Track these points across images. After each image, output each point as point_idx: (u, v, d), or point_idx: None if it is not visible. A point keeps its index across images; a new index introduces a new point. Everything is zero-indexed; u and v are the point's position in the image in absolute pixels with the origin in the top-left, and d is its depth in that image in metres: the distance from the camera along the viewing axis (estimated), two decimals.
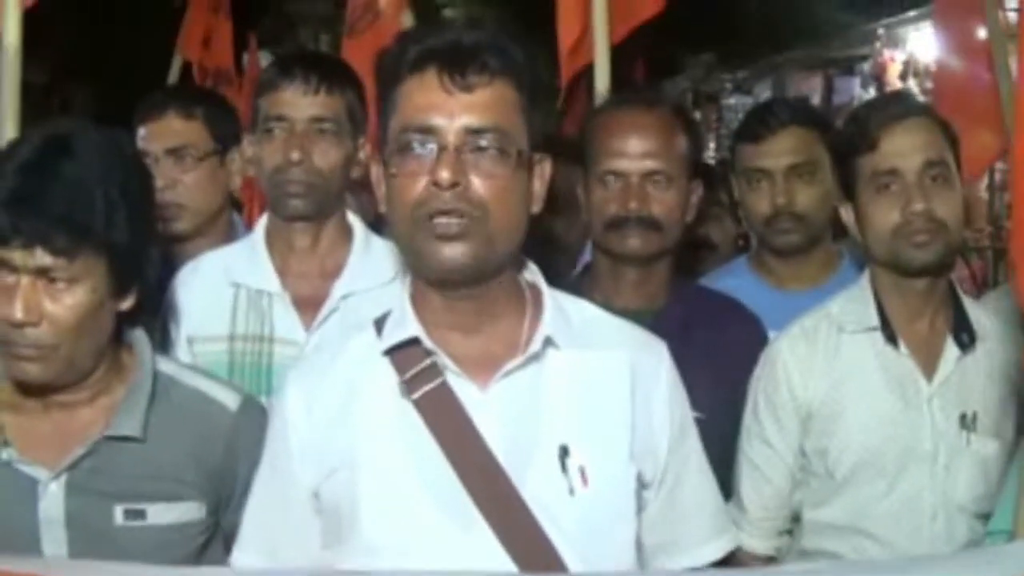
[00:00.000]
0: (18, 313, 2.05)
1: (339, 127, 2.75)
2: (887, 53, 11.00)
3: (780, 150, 3.14)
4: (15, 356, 2.11)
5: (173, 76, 6.12)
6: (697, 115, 17.44)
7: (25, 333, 2.07)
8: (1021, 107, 1.94)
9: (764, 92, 14.98)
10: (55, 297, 2.08)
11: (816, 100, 13.15)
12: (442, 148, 1.86)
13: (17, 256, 2.05)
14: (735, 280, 3.13)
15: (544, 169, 2.00)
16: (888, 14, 10.69)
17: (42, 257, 2.05)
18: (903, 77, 10.39)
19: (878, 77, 11.10)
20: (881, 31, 11.11)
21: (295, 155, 2.70)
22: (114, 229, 2.08)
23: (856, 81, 12.22)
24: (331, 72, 2.78)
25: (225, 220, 3.24)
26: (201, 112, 3.18)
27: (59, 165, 2.07)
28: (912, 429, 2.53)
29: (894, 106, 2.62)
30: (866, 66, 11.87)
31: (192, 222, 3.14)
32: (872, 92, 10.53)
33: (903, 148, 2.51)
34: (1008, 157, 2.01)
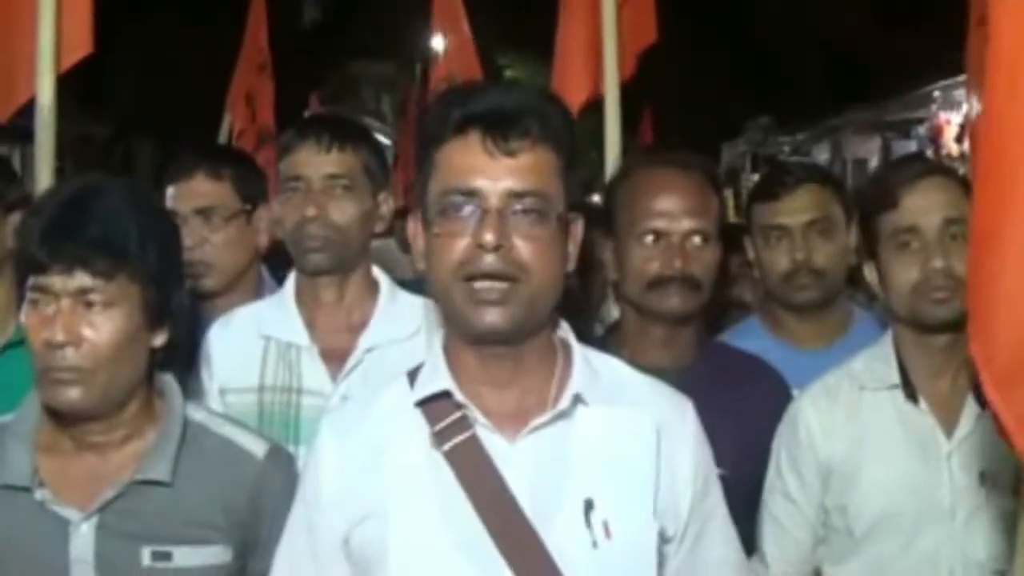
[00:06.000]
0: (59, 335, 2.13)
1: (354, 183, 2.83)
2: (943, 115, 11.00)
3: (798, 207, 3.17)
4: (55, 381, 2.17)
5: (223, 135, 6.24)
6: (755, 177, 17.50)
7: (66, 355, 2.15)
8: (980, 168, 1.99)
9: (822, 155, 14.99)
10: (93, 323, 2.16)
11: (874, 163, 13.15)
12: (485, 211, 1.90)
13: (56, 281, 2.14)
14: (751, 341, 3.10)
15: (577, 229, 2.03)
16: (944, 77, 10.67)
17: (82, 278, 2.14)
18: (959, 139, 10.37)
19: (935, 139, 11.10)
20: (937, 94, 11.11)
21: (311, 211, 2.78)
22: (147, 256, 2.18)
23: (913, 144, 12.20)
24: (344, 131, 2.86)
25: (253, 276, 3.30)
26: (229, 173, 3.25)
27: (91, 202, 2.19)
28: (931, 486, 2.52)
29: (914, 166, 2.65)
30: (923, 129, 11.87)
31: (220, 280, 3.21)
32: (930, 154, 10.50)
33: (923, 206, 2.52)
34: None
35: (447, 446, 1.96)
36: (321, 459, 2.06)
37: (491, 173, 1.91)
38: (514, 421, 1.98)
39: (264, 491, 2.30)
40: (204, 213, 3.20)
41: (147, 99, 13.68)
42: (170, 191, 3.24)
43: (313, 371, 2.80)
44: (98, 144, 12.93)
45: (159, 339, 2.28)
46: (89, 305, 2.16)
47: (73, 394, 2.18)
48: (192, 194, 3.22)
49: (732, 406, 2.66)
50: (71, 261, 2.13)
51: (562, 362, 2.04)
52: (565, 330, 2.08)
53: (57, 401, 2.20)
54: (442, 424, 1.97)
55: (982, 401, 2.53)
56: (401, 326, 2.76)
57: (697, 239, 2.73)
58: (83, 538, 2.20)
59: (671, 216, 2.73)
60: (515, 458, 1.95)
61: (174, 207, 3.18)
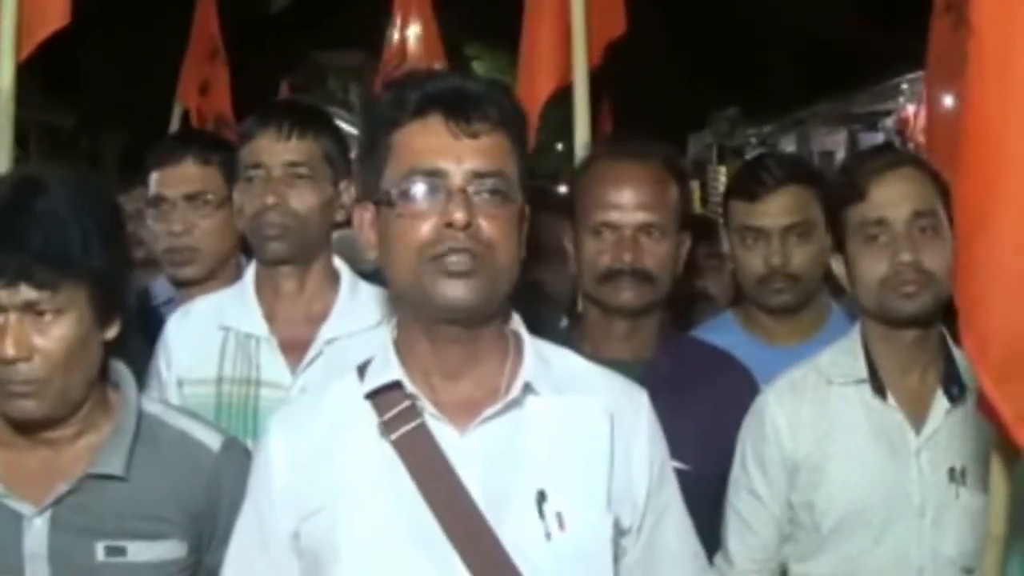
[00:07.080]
0: (10, 350, 2.09)
1: (315, 171, 2.79)
2: (910, 107, 11.06)
3: (777, 210, 3.09)
4: (10, 394, 2.14)
5: (174, 123, 6.18)
6: (722, 169, 17.59)
7: (18, 369, 2.11)
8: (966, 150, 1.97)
9: (789, 146, 15.09)
10: (44, 331, 2.12)
11: (840, 155, 13.22)
12: (450, 191, 1.90)
13: (2, 295, 2.10)
14: (724, 337, 3.06)
15: (526, 217, 2.03)
16: (911, 69, 10.71)
17: (27, 292, 2.09)
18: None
19: (901, 132, 11.16)
20: (904, 86, 11.16)
21: (270, 199, 2.75)
22: (92, 258, 2.13)
23: (880, 136, 12.26)
24: (305, 118, 2.83)
25: (233, 265, 3.27)
26: (217, 158, 3.22)
27: (32, 203, 2.13)
28: (899, 482, 2.50)
29: (883, 156, 2.61)
30: (890, 121, 11.94)
31: (206, 266, 3.20)
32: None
33: (891, 198, 2.49)
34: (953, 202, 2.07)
35: (395, 435, 1.95)
36: (271, 454, 2.05)
37: (455, 154, 1.91)
38: (465, 412, 1.97)
39: (220, 484, 2.27)
40: (193, 198, 3.18)
41: (116, 89, 13.56)
42: (155, 176, 3.21)
43: (272, 363, 2.76)
44: (64, 133, 12.83)
45: (111, 332, 2.24)
46: (39, 314, 2.12)
47: (29, 405, 2.15)
48: (181, 179, 3.19)
49: (696, 400, 2.65)
50: (14, 275, 2.09)
51: (513, 353, 2.04)
52: (517, 322, 2.08)
53: (13, 413, 2.18)
54: (390, 413, 1.97)
55: (952, 396, 2.53)
56: (362, 317, 2.73)
57: (651, 232, 2.71)
58: (37, 533, 2.17)
59: (623, 209, 2.71)
60: (466, 449, 1.95)
61: (160, 192, 3.15)
